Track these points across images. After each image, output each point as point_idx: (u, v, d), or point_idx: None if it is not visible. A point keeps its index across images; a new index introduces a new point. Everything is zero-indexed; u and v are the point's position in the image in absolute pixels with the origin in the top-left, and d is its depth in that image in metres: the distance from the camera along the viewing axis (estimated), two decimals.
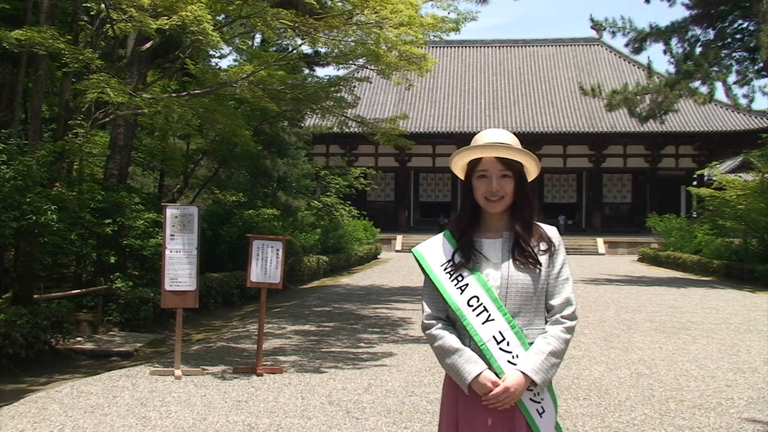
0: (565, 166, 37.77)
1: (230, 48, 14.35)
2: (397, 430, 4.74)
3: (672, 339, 8.76)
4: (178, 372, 6.43)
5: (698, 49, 18.98)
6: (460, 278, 2.22)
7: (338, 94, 12.68)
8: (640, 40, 19.56)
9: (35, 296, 8.29)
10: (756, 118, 32.68)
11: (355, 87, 13.24)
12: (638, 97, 19.67)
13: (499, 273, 2.21)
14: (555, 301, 2.23)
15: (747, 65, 19.06)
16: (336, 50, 10.68)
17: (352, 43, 10.31)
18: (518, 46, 43.06)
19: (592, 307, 12.02)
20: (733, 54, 19.20)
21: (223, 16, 10.37)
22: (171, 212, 6.95)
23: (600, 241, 33.53)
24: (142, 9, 7.75)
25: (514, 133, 2.34)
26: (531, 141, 31.63)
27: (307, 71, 18.52)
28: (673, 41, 19.22)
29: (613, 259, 29.69)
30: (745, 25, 18.96)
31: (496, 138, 2.26)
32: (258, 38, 16.12)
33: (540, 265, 2.21)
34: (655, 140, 35.12)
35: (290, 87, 11.47)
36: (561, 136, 35.61)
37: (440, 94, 38.58)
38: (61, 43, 7.75)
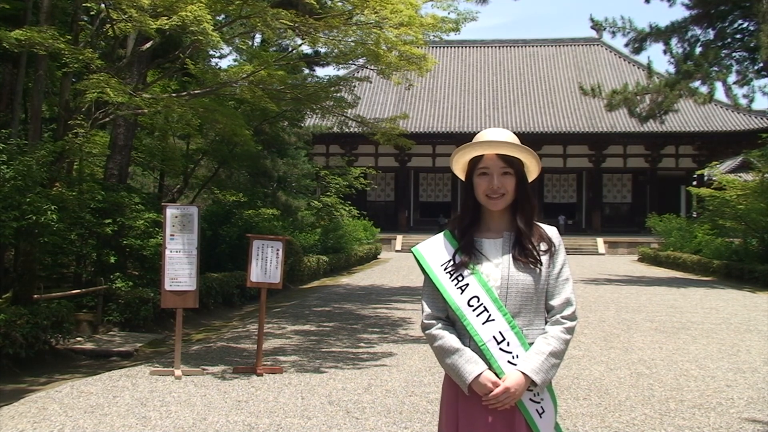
0: (565, 166, 37.77)
1: (230, 48, 14.38)
2: (397, 430, 4.74)
3: (672, 339, 8.76)
4: (178, 372, 6.43)
5: (698, 49, 18.98)
6: (460, 278, 2.22)
7: (338, 94, 12.68)
8: (640, 40, 19.56)
9: (35, 296, 8.28)
10: (756, 118, 32.68)
11: (355, 87, 13.24)
12: (638, 97, 19.67)
13: (499, 273, 2.21)
14: (555, 302, 2.23)
15: (747, 65, 19.06)
16: (336, 50, 10.69)
17: (352, 43, 10.31)
18: (518, 46, 43.05)
19: (592, 307, 12.02)
20: (733, 54, 19.20)
21: (223, 16, 10.38)
22: (171, 212, 6.95)
23: (600, 241, 33.54)
24: (142, 9, 7.75)
25: (514, 133, 2.34)
26: (531, 141, 31.42)
27: (307, 71, 18.51)
28: (673, 41, 19.23)
29: (613, 259, 29.69)
30: (745, 25, 18.96)
31: (497, 136, 2.26)
32: (258, 38, 16.15)
33: (540, 264, 2.22)
34: (655, 140, 35.13)
35: (290, 87, 11.47)
36: (561, 136, 35.61)
37: (440, 94, 38.58)
38: (61, 43, 7.75)
